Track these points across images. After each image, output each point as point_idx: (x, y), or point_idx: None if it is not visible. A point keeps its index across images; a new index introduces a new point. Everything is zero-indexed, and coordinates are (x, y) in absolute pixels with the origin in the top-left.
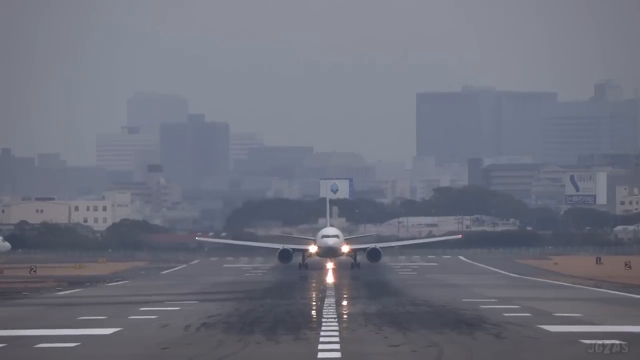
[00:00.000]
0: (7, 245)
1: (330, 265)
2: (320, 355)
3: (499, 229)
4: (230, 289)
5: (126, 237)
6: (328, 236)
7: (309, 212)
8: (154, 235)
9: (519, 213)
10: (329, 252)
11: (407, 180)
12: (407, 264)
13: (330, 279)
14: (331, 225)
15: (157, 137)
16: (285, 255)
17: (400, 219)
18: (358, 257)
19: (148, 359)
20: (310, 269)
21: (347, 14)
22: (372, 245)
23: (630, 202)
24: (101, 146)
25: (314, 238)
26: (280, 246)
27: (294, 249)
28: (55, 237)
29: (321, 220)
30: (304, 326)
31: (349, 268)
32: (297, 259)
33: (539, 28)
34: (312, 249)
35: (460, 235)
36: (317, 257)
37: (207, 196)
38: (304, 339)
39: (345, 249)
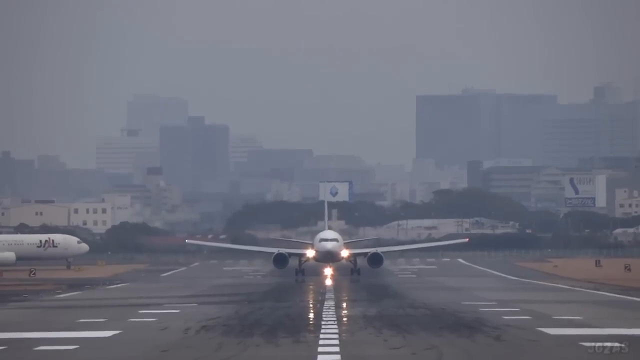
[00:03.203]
0: (85, 247)
1: (328, 271)
2: (320, 358)
3: (499, 231)
4: (229, 291)
5: (126, 240)
6: (326, 240)
7: (309, 215)
8: (153, 238)
9: (519, 216)
10: (328, 257)
11: (406, 183)
12: (407, 266)
13: (328, 284)
14: (330, 228)
15: (157, 139)
16: (280, 260)
17: (400, 222)
18: (358, 262)
19: None
20: (307, 274)
21: (347, 17)
22: (373, 250)
23: (630, 205)
24: (101, 149)
25: (311, 242)
26: (275, 250)
27: (290, 253)
28: None
29: (320, 223)
30: (303, 329)
31: (349, 274)
32: (294, 264)
33: (538, 31)
34: (310, 253)
35: (467, 239)
36: (315, 262)
37: (207, 199)
38: (304, 342)
39: (345, 253)
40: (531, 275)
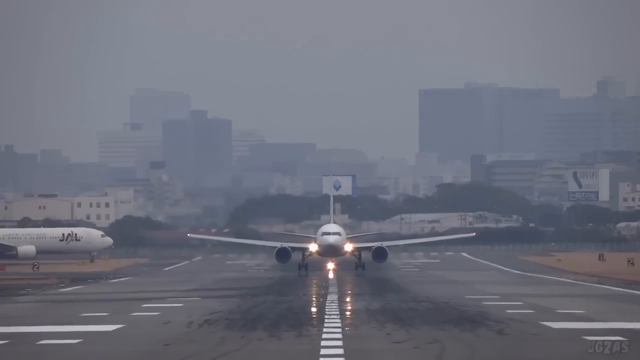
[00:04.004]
0: (109, 240)
1: (331, 265)
2: (322, 352)
3: (502, 225)
4: (232, 285)
5: (129, 234)
6: (329, 233)
7: (312, 209)
8: (156, 232)
9: (522, 209)
10: (330, 251)
11: (409, 177)
12: (410, 260)
13: (331, 277)
14: (333, 222)
15: (160, 133)
16: (283, 254)
17: (403, 216)
18: (363, 257)
19: (150, 355)
20: (310, 269)
21: (349, 10)
22: (377, 244)
23: (633, 199)
24: (103, 143)
25: (315, 236)
26: (278, 244)
27: (293, 248)
28: None
29: (324, 217)
30: (306, 323)
31: (353, 268)
32: (297, 258)
33: (541, 25)
34: (313, 247)
35: (475, 233)
36: (319, 256)
37: (209, 193)
38: (307, 336)
39: (349, 247)
40: (534, 269)
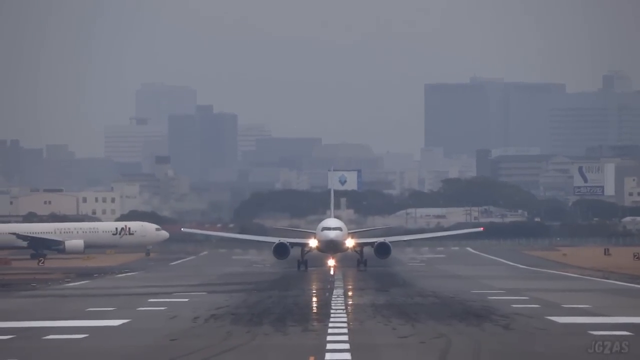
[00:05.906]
0: (165, 234)
1: (331, 262)
2: (328, 346)
3: (507, 220)
4: (238, 280)
5: None
6: (329, 228)
7: (317, 204)
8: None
9: (527, 204)
10: (331, 247)
11: (415, 172)
12: (416, 255)
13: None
14: (338, 217)
15: (166, 128)
16: (281, 250)
17: (409, 211)
18: (365, 253)
19: (156, 350)
20: (310, 265)
21: (355, 4)
22: (380, 239)
23: (639, 193)
24: (109, 137)
25: (315, 231)
26: (276, 240)
27: (292, 243)
28: None
29: (329, 212)
30: (312, 317)
31: (355, 265)
32: (296, 254)
33: (547, 19)
34: (313, 242)
35: (482, 228)
36: (319, 252)
37: (215, 188)
38: (312, 330)
39: (350, 242)
40: (540, 264)
